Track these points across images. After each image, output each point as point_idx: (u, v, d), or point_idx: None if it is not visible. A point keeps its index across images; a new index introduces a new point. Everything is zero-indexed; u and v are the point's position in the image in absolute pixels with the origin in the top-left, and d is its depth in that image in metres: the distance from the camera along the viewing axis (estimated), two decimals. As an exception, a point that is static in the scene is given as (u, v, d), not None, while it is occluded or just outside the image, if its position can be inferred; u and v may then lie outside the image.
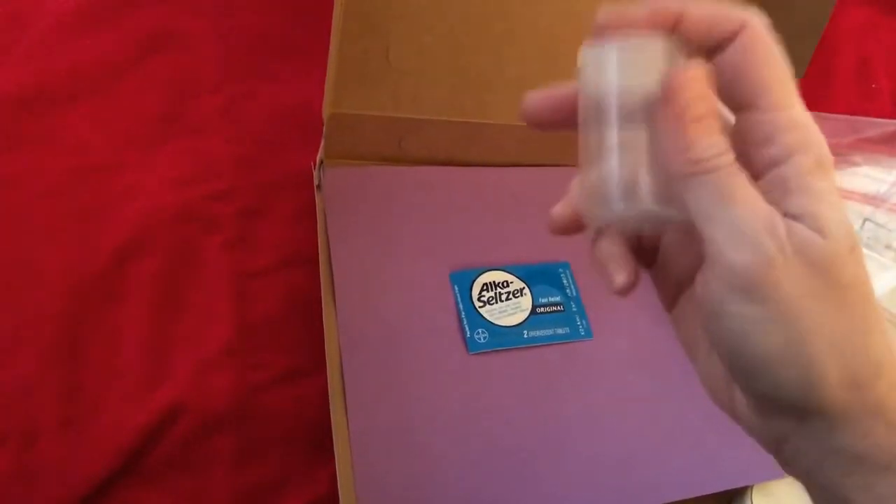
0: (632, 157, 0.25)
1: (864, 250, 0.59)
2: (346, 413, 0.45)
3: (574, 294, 0.54)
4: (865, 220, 0.64)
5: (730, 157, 0.23)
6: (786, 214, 0.23)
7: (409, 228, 0.53)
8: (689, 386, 0.51)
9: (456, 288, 0.51)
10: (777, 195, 0.23)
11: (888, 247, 0.62)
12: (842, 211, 0.23)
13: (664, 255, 0.30)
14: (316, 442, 0.47)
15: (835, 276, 0.22)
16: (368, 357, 0.47)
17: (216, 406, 0.47)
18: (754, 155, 0.24)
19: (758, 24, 0.24)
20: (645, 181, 0.25)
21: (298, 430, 0.48)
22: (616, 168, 0.25)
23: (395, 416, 0.46)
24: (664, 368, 0.52)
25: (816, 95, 0.73)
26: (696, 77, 0.24)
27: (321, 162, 0.53)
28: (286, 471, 0.47)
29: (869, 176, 0.67)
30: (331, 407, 0.45)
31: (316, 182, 0.53)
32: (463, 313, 0.50)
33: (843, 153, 0.69)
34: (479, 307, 0.51)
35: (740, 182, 0.23)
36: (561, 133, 0.61)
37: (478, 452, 0.46)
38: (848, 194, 0.66)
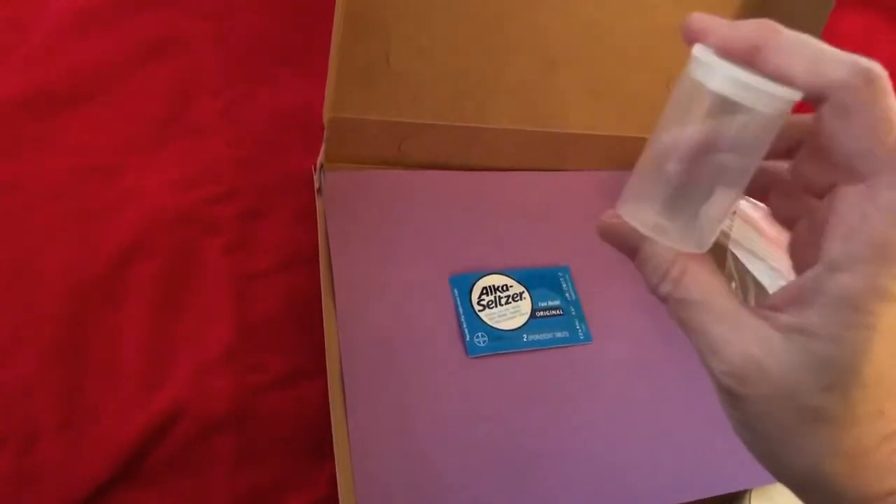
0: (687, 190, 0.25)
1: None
2: (346, 415, 0.45)
3: (573, 298, 0.54)
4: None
5: (678, 285, 0.24)
6: (798, 319, 0.22)
7: (408, 232, 0.53)
8: (688, 390, 0.51)
9: (456, 291, 0.52)
10: (805, 300, 0.22)
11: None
12: (849, 345, 0.21)
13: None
14: (316, 444, 0.47)
15: (796, 405, 0.22)
16: (368, 360, 0.47)
17: (216, 408, 0.47)
18: (822, 248, 0.22)
19: (861, 86, 0.21)
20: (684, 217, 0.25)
21: (298, 433, 0.48)
22: (665, 191, 0.25)
23: (395, 418, 0.46)
24: (663, 372, 0.52)
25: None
26: (607, 227, 0.26)
27: (321, 165, 0.53)
28: (286, 473, 0.47)
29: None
30: (331, 409, 0.45)
31: (316, 185, 0.53)
32: (463, 317, 0.51)
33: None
34: (479, 311, 0.51)
35: (700, 305, 0.24)
36: (560, 139, 0.61)
37: (477, 456, 0.46)
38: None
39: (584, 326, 0.53)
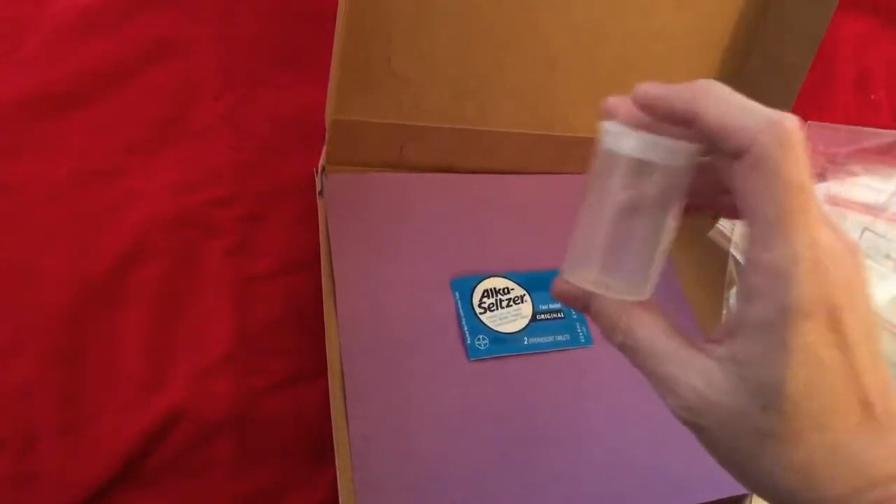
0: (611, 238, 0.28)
1: (865, 260, 0.59)
2: (347, 418, 0.45)
3: (574, 301, 0.54)
4: (864, 229, 0.64)
5: (625, 336, 0.27)
6: (730, 352, 0.24)
7: (409, 235, 0.53)
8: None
9: (457, 294, 0.51)
10: (732, 332, 0.24)
11: (888, 257, 0.62)
12: (771, 366, 0.23)
13: None
14: (315, 448, 0.47)
15: (744, 428, 0.24)
16: (369, 363, 0.47)
17: (216, 411, 0.47)
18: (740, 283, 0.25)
19: (768, 143, 0.23)
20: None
21: (298, 435, 0.48)
22: (596, 245, 0.28)
23: (396, 421, 0.46)
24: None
25: (816, 105, 0.73)
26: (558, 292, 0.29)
27: (323, 168, 0.53)
28: (285, 477, 0.46)
29: (868, 186, 0.67)
30: (332, 412, 0.45)
31: (318, 188, 0.53)
32: (463, 319, 0.50)
33: (842, 163, 0.69)
34: (480, 313, 0.51)
35: (649, 350, 0.26)
36: (561, 142, 0.61)
37: (478, 459, 0.46)
38: (847, 204, 0.66)
39: (585, 329, 0.53)
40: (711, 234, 0.55)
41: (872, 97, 0.78)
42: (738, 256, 0.54)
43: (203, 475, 0.45)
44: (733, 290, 0.54)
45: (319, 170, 0.53)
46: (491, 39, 0.52)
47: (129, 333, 0.48)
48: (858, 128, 0.70)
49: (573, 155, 0.59)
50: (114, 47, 0.59)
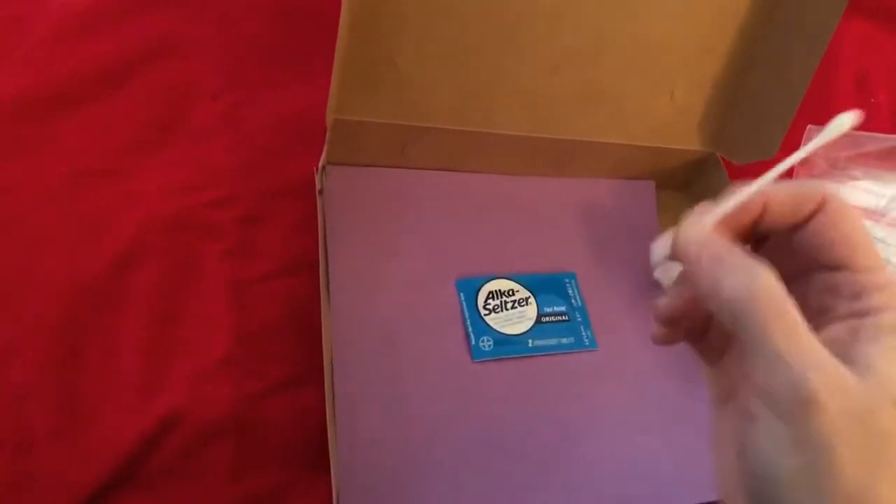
0: None
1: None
2: (335, 425, 0.44)
3: (579, 304, 0.53)
4: (864, 234, 0.64)
5: (762, 283, 0.24)
6: (845, 359, 0.23)
7: (410, 233, 0.53)
8: (691, 397, 0.51)
9: (462, 295, 0.51)
10: (845, 342, 0.24)
11: (887, 262, 0.62)
12: None
13: (725, 361, 0.31)
14: (314, 451, 0.46)
15: (868, 424, 0.23)
16: (363, 365, 0.46)
17: (214, 415, 0.46)
18: (842, 308, 0.26)
19: (838, 198, 0.26)
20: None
21: (297, 440, 0.47)
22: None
23: (391, 424, 0.45)
24: (668, 381, 0.51)
25: (815, 109, 0.73)
26: (691, 228, 0.26)
27: (323, 167, 0.52)
28: (284, 480, 0.46)
29: (868, 190, 0.67)
30: (327, 417, 0.44)
31: (318, 187, 0.53)
32: (468, 320, 0.50)
33: (842, 167, 0.69)
34: (485, 314, 0.50)
35: (781, 318, 0.24)
36: (563, 146, 0.60)
37: (479, 463, 0.45)
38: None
39: (589, 333, 0.52)
40: None
41: (872, 100, 0.78)
42: None
43: (201, 479, 0.45)
44: None
45: (320, 169, 0.52)
46: (495, 42, 0.51)
47: (126, 336, 0.47)
48: (859, 132, 0.70)
49: (576, 160, 0.59)
50: (112, 47, 0.58)
